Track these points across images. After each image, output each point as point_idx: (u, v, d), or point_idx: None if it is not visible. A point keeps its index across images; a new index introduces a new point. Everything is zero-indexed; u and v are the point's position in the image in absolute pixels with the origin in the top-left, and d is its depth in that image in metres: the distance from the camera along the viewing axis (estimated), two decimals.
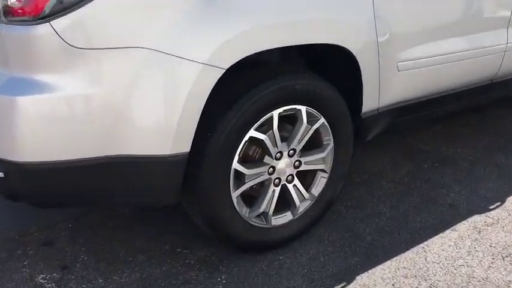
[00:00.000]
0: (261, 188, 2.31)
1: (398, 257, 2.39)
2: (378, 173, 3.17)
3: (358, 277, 2.28)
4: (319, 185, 2.47)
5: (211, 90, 1.94)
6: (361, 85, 2.41)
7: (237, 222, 2.23)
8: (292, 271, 2.30)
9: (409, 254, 2.40)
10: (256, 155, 2.28)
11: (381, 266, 2.33)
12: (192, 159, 2.04)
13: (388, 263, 2.36)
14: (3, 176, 1.88)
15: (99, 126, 1.83)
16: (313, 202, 2.46)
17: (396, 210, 2.77)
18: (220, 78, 1.94)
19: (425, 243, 2.51)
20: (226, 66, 1.94)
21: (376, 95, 2.52)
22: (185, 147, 1.96)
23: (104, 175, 1.91)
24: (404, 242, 2.50)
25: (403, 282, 2.23)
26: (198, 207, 2.14)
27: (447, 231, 2.59)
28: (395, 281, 2.24)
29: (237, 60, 1.95)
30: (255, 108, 2.08)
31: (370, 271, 2.31)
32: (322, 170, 2.45)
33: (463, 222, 2.66)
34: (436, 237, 2.55)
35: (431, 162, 3.30)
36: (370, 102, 2.50)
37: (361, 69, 2.35)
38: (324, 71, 2.43)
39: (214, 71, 1.91)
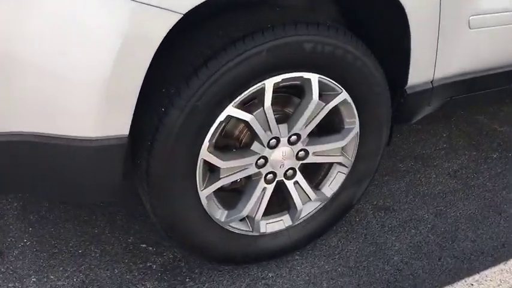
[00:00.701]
0: (247, 183, 1.68)
1: None
2: (426, 159, 2.42)
3: None
4: (334, 182, 1.79)
5: (164, 47, 1.29)
6: (408, 47, 1.65)
7: (207, 229, 1.62)
8: None
9: None
10: (242, 139, 1.64)
11: None
12: (139, 145, 1.43)
13: None
14: None
15: None
16: (323, 204, 1.81)
17: (443, 219, 2.05)
18: (177, 28, 1.28)
19: (478, 276, 1.81)
20: (184, 10, 1.26)
21: (430, 62, 1.75)
22: (121, 127, 1.35)
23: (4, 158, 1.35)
24: (446, 272, 1.83)
25: None
26: (151, 208, 1.55)
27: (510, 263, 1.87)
28: None
29: (196, 4, 1.28)
30: (235, 75, 1.40)
31: None
32: (340, 164, 1.78)
33: None
34: (495, 269, 1.85)
35: (503, 151, 2.51)
36: (420, 72, 1.74)
37: (410, 23, 1.59)
38: (353, 25, 1.69)
39: (163, 15, 1.24)
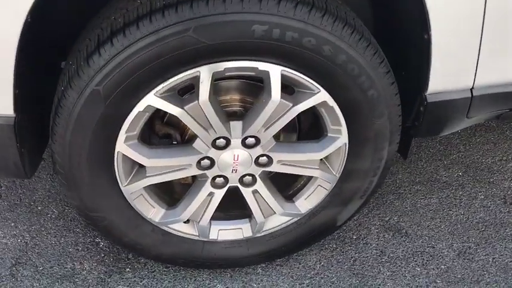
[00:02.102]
0: (193, 184, 1.37)
1: None
2: (481, 172, 1.85)
3: None
4: (313, 196, 1.41)
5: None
6: (429, 42, 1.15)
7: (136, 228, 1.37)
8: None
9: None
10: (187, 131, 1.31)
11: None
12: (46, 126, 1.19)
13: None
14: None
15: None
16: (295, 221, 1.46)
17: (466, 263, 1.55)
18: None
19: None
20: None
21: (466, 64, 1.22)
22: (5, 108, 1.10)
23: None
24: None
25: None
26: (68, 197, 1.32)
27: None
28: None
29: None
30: (152, 56, 1.05)
31: None
32: (324, 180, 1.38)
33: None
34: None
35: None
36: (447, 76, 1.23)
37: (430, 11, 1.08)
38: None
39: None
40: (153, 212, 1.37)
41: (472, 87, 1.28)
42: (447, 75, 1.23)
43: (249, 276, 1.54)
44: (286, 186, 1.44)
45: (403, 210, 1.74)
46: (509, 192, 1.81)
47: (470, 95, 1.30)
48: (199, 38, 1.04)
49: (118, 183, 1.27)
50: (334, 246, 1.62)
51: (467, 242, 1.64)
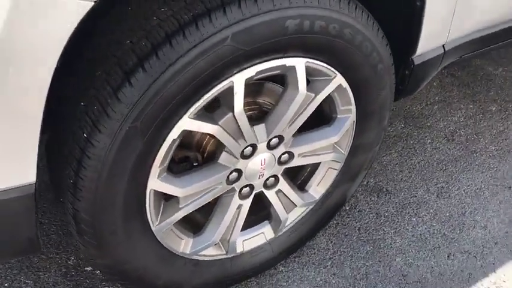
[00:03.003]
0: (216, 204, 1.29)
1: None
2: (418, 118, 2.05)
3: None
4: (324, 181, 1.42)
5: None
6: (422, 8, 1.23)
7: (171, 269, 1.25)
8: None
9: None
10: (205, 148, 1.22)
11: None
12: (59, 186, 1.00)
13: None
14: None
15: None
16: (310, 208, 1.47)
17: (446, 201, 1.73)
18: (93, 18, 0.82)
19: (494, 276, 1.54)
20: None
21: (446, 23, 1.34)
22: (22, 174, 0.90)
23: None
24: (458, 273, 1.51)
25: None
26: (89, 257, 1.14)
27: None
28: None
29: None
30: (189, 76, 0.95)
31: None
32: (333, 160, 1.40)
33: None
34: None
35: (502, 102, 2.14)
36: (432, 36, 1.33)
37: None
38: None
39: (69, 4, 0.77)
40: (183, 244, 1.25)
41: (445, 43, 1.41)
42: (431, 37, 1.32)
43: (275, 277, 1.51)
44: (294, 179, 1.43)
45: (374, 172, 1.85)
46: (447, 131, 2.03)
47: (443, 51, 1.42)
48: (238, 46, 0.96)
49: (150, 225, 1.13)
50: (335, 222, 1.66)
51: (438, 182, 1.81)
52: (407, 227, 1.66)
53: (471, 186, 1.80)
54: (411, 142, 1.97)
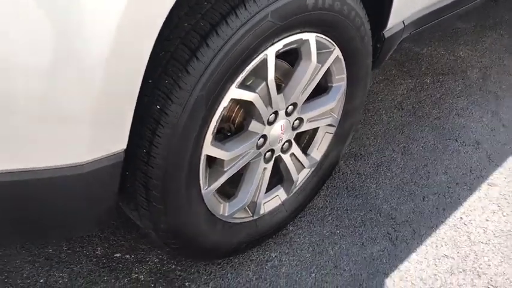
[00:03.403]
0: (245, 170, 1.47)
1: (432, 237, 1.72)
2: (369, 95, 2.39)
3: (388, 280, 1.62)
4: (322, 144, 1.66)
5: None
6: None
7: (213, 230, 1.41)
8: (293, 279, 1.57)
9: (448, 231, 1.75)
10: (233, 122, 1.41)
11: (415, 257, 1.68)
12: (133, 156, 1.13)
13: (422, 248, 1.71)
14: None
15: None
16: (312, 170, 1.69)
17: (410, 156, 2.05)
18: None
19: (462, 208, 1.86)
20: None
21: (405, 2, 1.64)
22: (118, 142, 1.04)
23: None
24: (434, 210, 1.81)
25: (450, 281, 1.59)
26: (152, 224, 1.28)
27: (484, 187, 1.96)
28: (438, 279, 1.61)
29: None
30: (240, 47, 1.15)
31: (402, 266, 1.66)
32: (329, 125, 1.64)
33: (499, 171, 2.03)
34: (473, 198, 1.92)
35: (433, 75, 2.54)
36: (398, 12, 1.63)
37: None
38: None
39: None
40: (222, 207, 1.41)
41: (404, 19, 1.71)
42: (397, 13, 1.61)
43: (288, 236, 1.70)
44: (299, 145, 1.64)
45: None
46: (395, 102, 2.36)
47: (403, 26, 1.72)
48: (275, 21, 1.16)
49: (201, 189, 1.28)
50: (326, 185, 1.90)
51: (400, 143, 2.12)
52: (385, 181, 1.94)
53: (427, 143, 2.13)
54: (369, 115, 2.28)
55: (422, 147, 2.12)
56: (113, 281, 1.53)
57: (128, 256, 1.62)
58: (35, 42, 0.83)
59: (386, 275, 1.61)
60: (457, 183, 1.95)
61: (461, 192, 1.92)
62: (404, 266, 1.64)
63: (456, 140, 2.16)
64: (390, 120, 2.25)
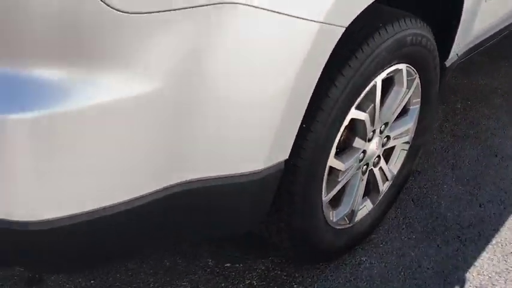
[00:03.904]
0: (348, 181, 1.71)
1: (497, 238, 1.95)
2: None
3: (467, 274, 1.85)
4: (398, 159, 1.91)
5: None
6: (457, 22, 1.80)
7: (327, 233, 1.63)
8: (386, 277, 1.79)
9: (508, 232, 1.98)
10: (341, 137, 1.65)
11: (485, 255, 1.92)
12: (286, 166, 1.37)
13: (490, 247, 1.95)
14: None
15: (161, 145, 1.07)
16: (390, 182, 1.93)
17: (459, 170, 2.31)
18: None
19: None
20: (347, 23, 1.23)
21: (466, 34, 1.94)
22: (284, 152, 1.28)
23: (164, 213, 1.19)
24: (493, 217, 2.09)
25: None
26: (287, 228, 1.49)
27: None
28: (511, 271, 1.83)
29: (358, 13, 1.25)
30: (363, 76, 1.41)
31: (476, 263, 1.89)
32: (405, 142, 1.90)
33: None
34: None
35: (463, 101, 2.86)
36: (458, 44, 1.93)
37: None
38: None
39: (332, 31, 1.19)
40: (331, 215, 1.64)
41: (458, 51, 2.00)
42: (456, 46, 1.90)
43: (372, 242, 1.92)
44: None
45: None
46: (436, 125, 2.64)
47: (457, 56, 2.01)
48: (386, 55, 1.44)
49: (322, 197, 1.51)
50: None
51: (448, 160, 2.39)
52: (443, 192, 2.19)
53: (472, 159, 2.40)
54: None
55: (468, 162, 2.39)
56: (230, 286, 1.73)
57: (237, 265, 1.82)
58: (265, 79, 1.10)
59: (465, 270, 1.84)
60: (505, 192, 2.22)
61: (510, 199, 2.18)
62: (478, 262, 1.87)
63: (496, 155, 2.44)
64: (435, 141, 2.52)
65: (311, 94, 1.22)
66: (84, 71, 0.94)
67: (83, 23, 0.88)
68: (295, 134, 1.25)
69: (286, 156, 1.27)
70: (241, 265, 1.82)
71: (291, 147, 1.26)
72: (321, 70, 1.21)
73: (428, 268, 1.84)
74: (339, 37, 1.21)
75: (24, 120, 0.92)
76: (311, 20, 1.10)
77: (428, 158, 2.39)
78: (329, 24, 1.15)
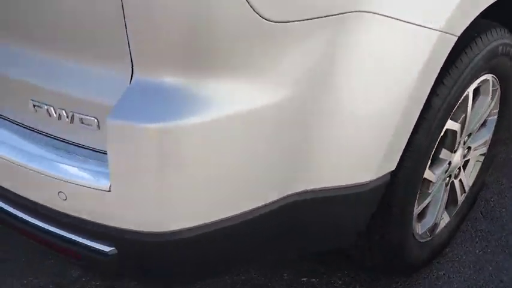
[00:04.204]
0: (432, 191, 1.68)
1: None
2: None
3: None
4: (473, 171, 1.89)
5: None
6: None
7: (414, 246, 1.60)
8: None
9: None
10: None
11: None
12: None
13: None
14: (114, 252, 1.07)
15: (289, 153, 1.06)
16: (465, 194, 1.91)
17: None
18: None
19: None
20: (459, 33, 1.22)
21: None
22: (392, 163, 1.26)
23: (276, 224, 1.17)
24: None
25: None
26: (379, 239, 1.47)
27: None
28: None
29: (469, 23, 1.24)
30: (461, 85, 1.39)
31: None
32: (481, 154, 1.87)
33: None
34: None
35: None
36: None
37: None
38: None
39: (449, 40, 1.18)
40: (418, 227, 1.61)
41: None
42: None
43: (447, 255, 1.88)
44: None
45: None
46: None
47: None
48: (481, 65, 1.42)
49: (414, 209, 1.49)
50: None
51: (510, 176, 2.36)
52: (510, 206, 2.16)
53: None
54: None
55: None
56: None
57: (313, 280, 1.79)
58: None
59: None
60: None
61: None
62: None
63: None
64: None
65: (423, 103, 1.21)
66: (221, 80, 0.93)
67: (230, 31, 0.88)
68: (405, 144, 1.23)
69: (393, 167, 1.25)
70: (317, 280, 1.79)
71: (398, 158, 1.24)
72: (434, 79, 1.19)
73: (510, 283, 1.81)
74: (452, 46, 1.20)
75: (163, 129, 0.92)
76: (433, 29, 1.09)
77: (492, 171, 2.37)
78: (447, 33, 1.14)
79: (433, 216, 1.66)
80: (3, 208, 1.22)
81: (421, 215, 1.64)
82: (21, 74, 1.04)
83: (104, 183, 0.97)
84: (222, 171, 0.98)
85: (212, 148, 0.96)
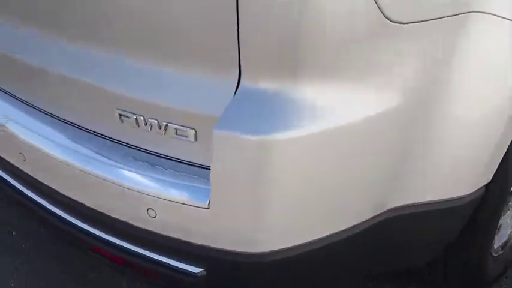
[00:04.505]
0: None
1: None
2: None
3: None
4: None
5: None
6: None
7: (490, 260, 1.53)
8: None
9: None
10: None
11: None
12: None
13: None
14: (203, 273, 0.99)
15: (393, 167, 0.98)
16: None
17: None
18: None
19: None
20: None
21: None
22: (488, 176, 1.18)
23: (369, 242, 1.09)
24: None
25: None
26: (464, 254, 1.39)
27: None
28: None
29: None
30: None
31: None
32: None
33: None
34: None
35: None
36: None
37: None
38: None
39: None
40: (495, 240, 1.53)
41: None
42: None
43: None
44: None
45: None
46: None
47: None
48: None
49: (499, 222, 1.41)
50: None
51: None
52: None
53: None
54: None
55: None
56: None
57: None
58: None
59: None
60: None
61: None
62: None
63: None
64: None
65: None
66: (337, 88, 0.86)
67: (355, 35, 0.81)
68: (503, 155, 1.15)
69: (489, 180, 1.17)
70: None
71: (495, 170, 1.16)
72: None
73: None
74: None
75: (271, 142, 0.84)
76: None
77: None
78: None
79: (507, 229, 1.57)
80: (72, 223, 1.15)
81: (498, 228, 1.56)
82: (108, 82, 0.97)
83: (203, 200, 0.89)
84: (326, 187, 0.91)
85: (318, 162, 0.88)
